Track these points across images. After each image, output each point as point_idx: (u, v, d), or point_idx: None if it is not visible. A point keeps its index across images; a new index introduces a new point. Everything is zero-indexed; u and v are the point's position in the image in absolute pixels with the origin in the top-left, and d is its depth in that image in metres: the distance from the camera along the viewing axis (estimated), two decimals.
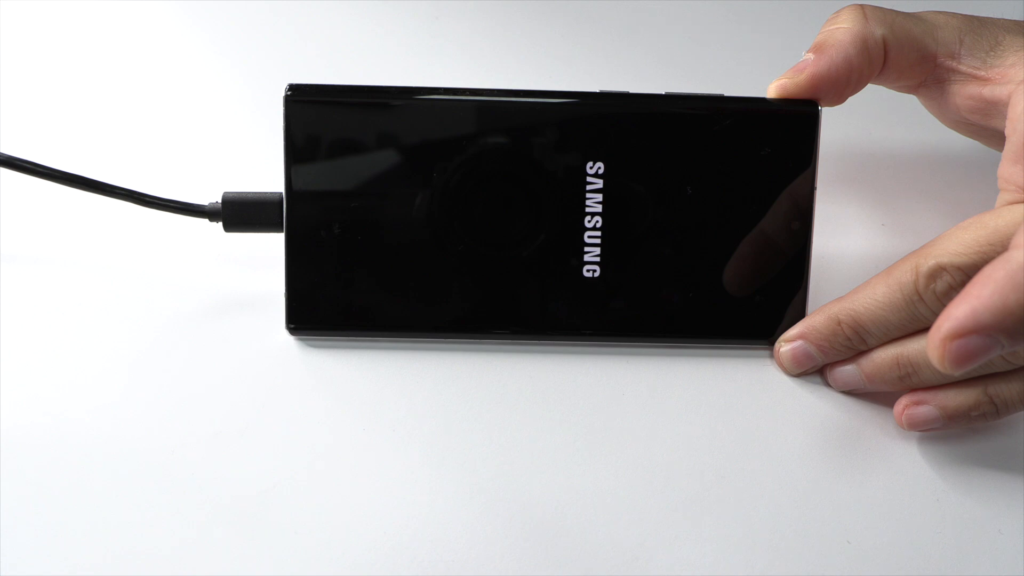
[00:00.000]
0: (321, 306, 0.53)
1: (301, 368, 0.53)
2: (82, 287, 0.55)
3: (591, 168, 0.52)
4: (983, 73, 0.53)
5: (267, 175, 0.55)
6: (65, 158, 0.55)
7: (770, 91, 0.53)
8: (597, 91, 0.53)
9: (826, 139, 0.53)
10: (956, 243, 0.49)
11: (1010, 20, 0.54)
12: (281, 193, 0.53)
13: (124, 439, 0.50)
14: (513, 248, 0.53)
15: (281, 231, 0.53)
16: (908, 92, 0.56)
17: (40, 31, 0.66)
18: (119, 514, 0.48)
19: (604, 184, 0.53)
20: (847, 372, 0.53)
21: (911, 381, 0.51)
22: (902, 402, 0.51)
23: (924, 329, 0.50)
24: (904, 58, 0.53)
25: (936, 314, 0.47)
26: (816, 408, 0.53)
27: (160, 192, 0.54)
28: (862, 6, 0.54)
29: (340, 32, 0.67)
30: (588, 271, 0.53)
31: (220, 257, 0.56)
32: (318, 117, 0.52)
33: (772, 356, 0.54)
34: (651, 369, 0.54)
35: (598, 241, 0.53)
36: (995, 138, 0.54)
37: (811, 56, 0.53)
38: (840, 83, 0.52)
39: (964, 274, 0.48)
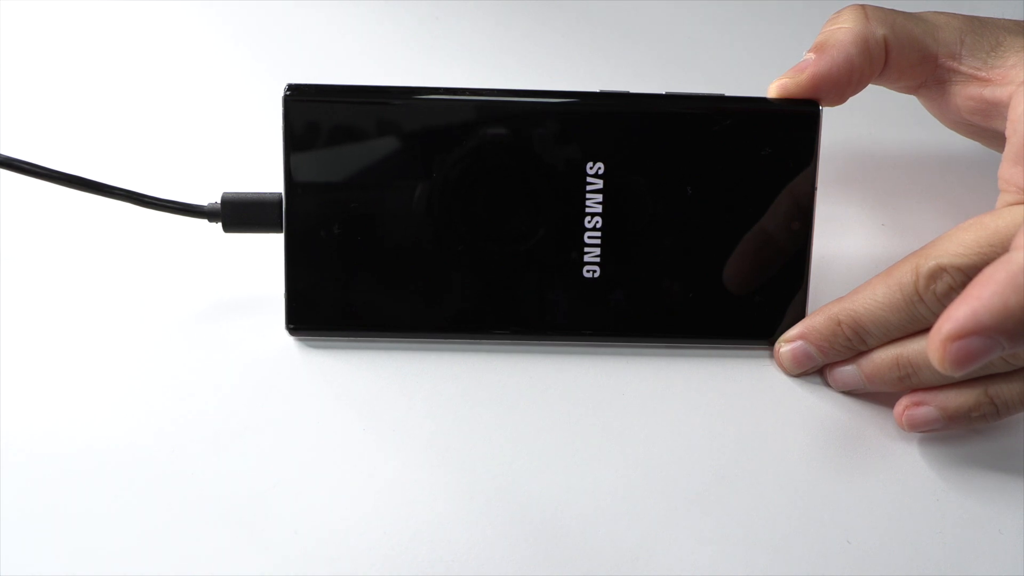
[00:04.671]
0: (321, 306, 0.53)
1: (301, 368, 0.53)
2: (82, 288, 0.55)
3: (591, 168, 0.52)
4: (984, 74, 0.53)
5: (266, 175, 0.55)
6: (64, 158, 0.55)
7: (771, 91, 0.53)
8: (597, 91, 0.53)
9: (827, 139, 0.53)
10: (956, 244, 0.49)
11: (1011, 20, 0.54)
12: (280, 193, 0.53)
13: (124, 439, 0.50)
14: (513, 249, 0.53)
15: (280, 231, 0.53)
16: (909, 93, 0.56)
17: (40, 31, 0.66)
18: (119, 514, 0.48)
19: (604, 184, 0.53)
20: (847, 372, 0.53)
21: (911, 382, 0.51)
22: (902, 403, 0.51)
23: (924, 330, 0.50)
24: (905, 58, 0.53)
25: (936, 315, 0.47)
26: (816, 408, 0.53)
27: (159, 192, 0.54)
28: (863, 6, 0.53)
29: (340, 32, 0.67)
30: (588, 271, 0.53)
31: (220, 258, 0.56)
32: (317, 117, 0.52)
33: (772, 356, 0.54)
34: (651, 369, 0.54)
35: (598, 241, 0.53)
36: (995, 139, 0.54)
37: (812, 56, 0.53)
38: (841, 83, 0.52)
39: (964, 275, 0.48)
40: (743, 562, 0.48)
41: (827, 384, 0.54)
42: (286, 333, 0.54)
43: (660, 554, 0.48)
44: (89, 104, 0.63)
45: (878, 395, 0.53)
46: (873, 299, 0.51)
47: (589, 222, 0.53)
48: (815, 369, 0.54)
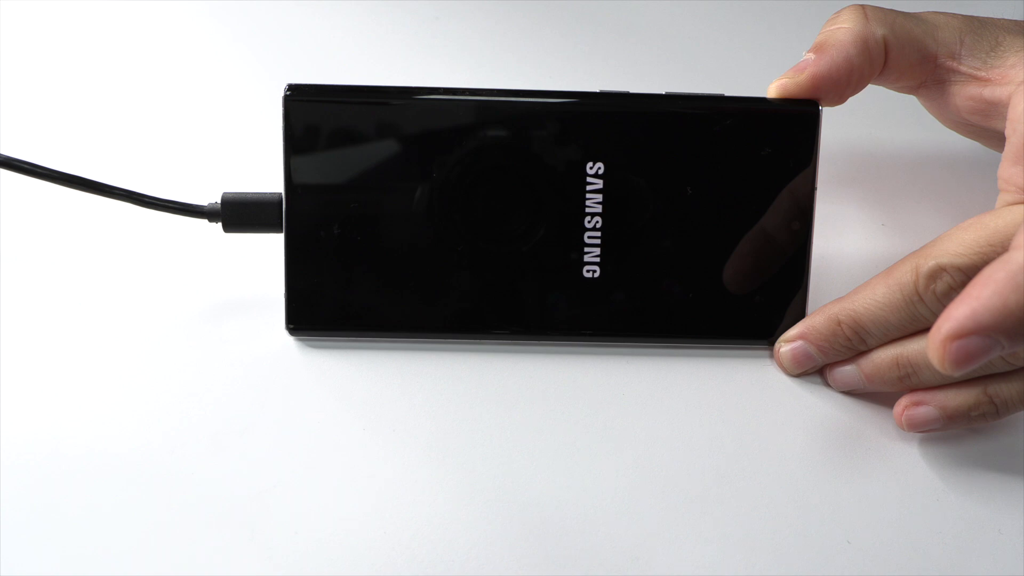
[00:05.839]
0: (321, 306, 0.53)
1: (301, 368, 0.53)
2: (82, 288, 0.55)
3: (591, 168, 0.52)
4: (983, 74, 0.53)
5: (266, 175, 0.55)
6: (64, 158, 0.55)
7: (770, 91, 0.53)
8: (597, 91, 0.53)
9: (826, 139, 0.53)
10: (956, 244, 0.49)
11: (1010, 20, 0.54)
12: (280, 193, 0.53)
13: (124, 439, 0.50)
14: (513, 249, 0.53)
15: (280, 231, 0.53)
16: (908, 93, 0.56)
17: (40, 31, 0.66)
18: (119, 514, 0.48)
19: (604, 184, 0.53)
20: (847, 372, 0.53)
21: (911, 381, 0.51)
22: (902, 403, 0.51)
23: (924, 330, 0.50)
24: (905, 58, 0.53)
25: (936, 315, 0.47)
26: (816, 408, 0.53)
27: (159, 192, 0.54)
28: (863, 6, 0.54)
29: (340, 32, 0.67)
30: (588, 271, 0.53)
31: (220, 258, 0.56)
32: (317, 117, 0.52)
33: (772, 356, 0.54)
34: (651, 369, 0.54)
35: (598, 241, 0.53)
36: (995, 139, 0.54)
37: (812, 56, 0.53)
38: (841, 83, 0.52)
39: (964, 275, 0.48)
40: (743, 562, 0.48)
41: (827, 384, 0.54)
42: (286, 333, 0.54)
43: (660, 554, 0.48)
44: (89, 104, 0.63)
45: (878, 395, 0.53)
46: (873, 299, 0.51)
47: (589, 222, 0.53)
48: (815, 369, 0.54)
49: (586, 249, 0.53)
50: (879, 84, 0.55)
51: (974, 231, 0.49)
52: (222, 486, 0.49)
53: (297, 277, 0.53)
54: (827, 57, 0.52)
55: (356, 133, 0.52)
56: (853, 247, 0.59)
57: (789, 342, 0.53)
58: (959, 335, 0.43)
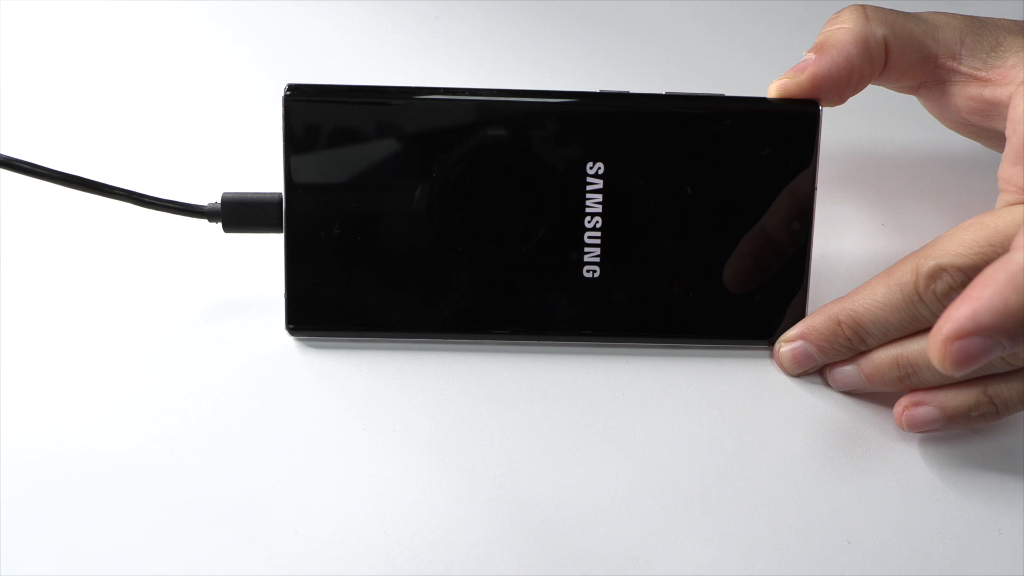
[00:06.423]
0: (321, 306, 0.53)
1: (301, 368, 0.53)
2: (82, 288, 0.55)
3: (591, 168, 0.52)
4: (984, 74, 0.53)
5: (266, 175, 0.55)
6: (64, 158, 0.55)
7: (771, 91, 0.53)
8: (597, 91, 0.53)
9: (826, 139, 0.53)
10: (956, 244, 0.49)
11: (1011, 20, 0.54)
12: (280, 193, 0.53)
13: (124, 439, 0.50)
14: (513, 249, 0.53)
15: (280, 231, 0.53)
16: (908, 93, 0.56)
17: (40, 31, 0.66)
18: (119, 514, 0.48)
19: (604, 184, 0.53)
20: (847, 372, 0.53)
21: (911, 382, 0.51)
22: (902, 403, 0.51)
23: (924, 330, 0.50)
24: (905, 59, 0.53)
25: (936, 315, 0.47)
26: (816, 408, 0.53)
27: (159, 192, 0.54)
28: (863, 6, 0.54)
29: (340, 32, 0.67)
30: (588, 271, 0.53)
31: (220, 258, 0.56)
32: (317, 117, 0.52)
33: (772, 356, 0.54)
34: (651, 369, 0.54)
35: (598, 241, 0.53)
36: (995, 139, 0.54)
37: (812, 56, 0.53)
38: (841, 83, 0.52)
39: (964, 275, 0.48)
40: (743, 562, 0.48)
41: (827, 384, 0.54)
42: (286, 333, 0.54)
43: (660, 554, 0.48)
44: (89, 104, 0.63)
45: (878, 395, 0.53)
46: (873, 299, 0.51)
47: (589, 222, 0.53)
48: (815, 369, 0.54)
49: (586, 249, 0.53)
50: (879, 84, 0.55)
51: (974, 231, 0.49)
52: (222, 486, 0.49)
53: (297, 277, 0.53)
54: (827, 57, 0.52)
55: (356, 133, 0.52)
56: (853, 247, 0.59)
57: (789, 342, 0.53)
58: (960, 335, 0.43)
